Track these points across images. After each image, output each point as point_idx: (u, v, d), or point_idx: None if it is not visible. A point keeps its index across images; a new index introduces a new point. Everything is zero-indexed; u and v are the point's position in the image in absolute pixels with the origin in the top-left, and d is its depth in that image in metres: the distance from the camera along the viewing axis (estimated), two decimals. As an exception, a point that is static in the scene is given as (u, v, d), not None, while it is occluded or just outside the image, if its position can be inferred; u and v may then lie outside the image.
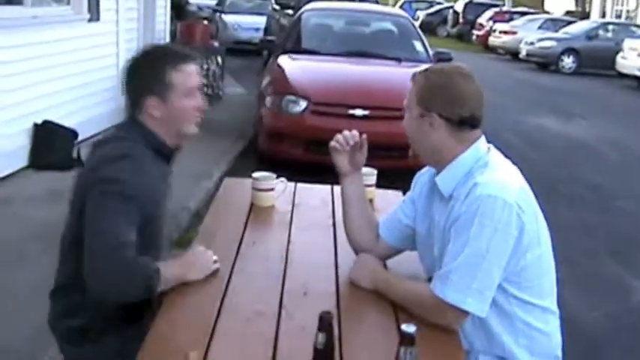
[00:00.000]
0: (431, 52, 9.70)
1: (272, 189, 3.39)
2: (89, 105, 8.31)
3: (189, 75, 2.53)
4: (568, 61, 23.61)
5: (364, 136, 2.75)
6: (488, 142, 2.48)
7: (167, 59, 2.50)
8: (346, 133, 2.74)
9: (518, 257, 2.32)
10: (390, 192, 3.70)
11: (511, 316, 2.42)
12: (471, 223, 2.26)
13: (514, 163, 2.48)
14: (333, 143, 2.74)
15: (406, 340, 1.71)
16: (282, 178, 3.48)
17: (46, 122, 7.26)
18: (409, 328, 1.71)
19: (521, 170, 2.46)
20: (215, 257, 2.56)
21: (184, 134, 2.61)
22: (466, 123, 2.41)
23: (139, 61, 2.53)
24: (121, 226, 2.34)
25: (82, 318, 2.58)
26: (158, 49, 2.59)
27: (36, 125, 7.21)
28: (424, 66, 2.64)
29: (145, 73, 2.49)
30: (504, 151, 2.51)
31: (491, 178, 2.33)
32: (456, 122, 2.40)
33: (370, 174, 3.57)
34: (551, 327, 2.53)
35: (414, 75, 2.50)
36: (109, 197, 2.36)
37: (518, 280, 2.37)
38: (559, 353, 2.56)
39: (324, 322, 1.75)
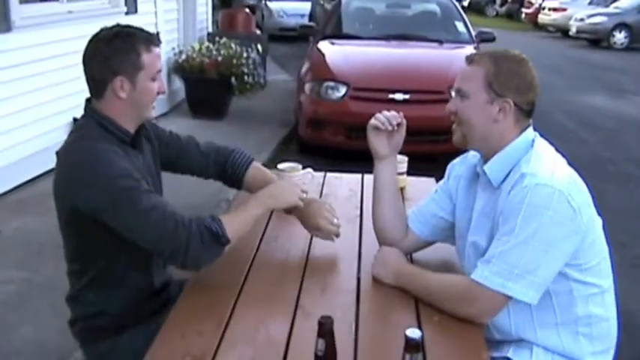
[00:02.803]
0: (473, 33, 9.51)
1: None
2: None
3: (157, 57, 2.43)
4: (620, 37, 22.98)
5: (402, 114, 2.62)
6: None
7: (140, 39, 2.38)
8: (386, 112, 2.60)
9: (575, 246, 2.21)
10: (422, 179, 3.59)
11: (569, 302, 2.31)
12: (517, 213, 2.16)
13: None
14: (373, 121, 2.58)
15: (411, 346, 1.59)
16: (309, 169, 3.37)
17: (84, 117, 7.24)
18: (414, 333, 1.59)
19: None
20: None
21: (144, 118, 2.51)
22: (531, 110, 2.34)
23: (110, 41, 2.38)
24: (158, 199, 2.33)
25: (99, 319, 2.54)
26: (128, 29, 2.42)
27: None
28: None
29: (117, 53, 2.35)
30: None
31: (539, 167, 2.23)
32: (525, 110, 2.32)
33: (402, 161, 3.46)
34: (610, 312, 2.42)
35: (472, 57, 2.37)
36: (123, 195, 2.27)
37: (577, 264, 2.26)
38: (615, 337, 2.47)
39: (324, 328, 1.65)
